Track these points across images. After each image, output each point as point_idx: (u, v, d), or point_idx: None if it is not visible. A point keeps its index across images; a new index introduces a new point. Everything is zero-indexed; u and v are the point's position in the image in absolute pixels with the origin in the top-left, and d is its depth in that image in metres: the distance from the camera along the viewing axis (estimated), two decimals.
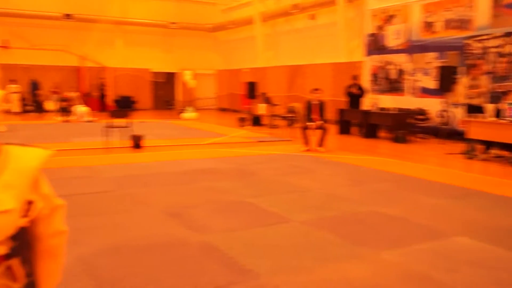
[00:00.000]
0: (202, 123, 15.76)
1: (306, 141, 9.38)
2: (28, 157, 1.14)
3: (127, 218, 4.50)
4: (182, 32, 23.63)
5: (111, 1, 22.14)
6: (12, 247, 1.08)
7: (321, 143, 9.33)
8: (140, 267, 3.30)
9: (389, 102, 13.06)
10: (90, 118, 15.37)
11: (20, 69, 19.21)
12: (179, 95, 24.42)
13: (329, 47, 17.04)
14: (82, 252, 3.54)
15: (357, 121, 12.82)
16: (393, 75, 13.43)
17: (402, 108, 12.22)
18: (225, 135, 12.02)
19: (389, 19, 13.55)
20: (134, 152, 8.87)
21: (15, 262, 1.10)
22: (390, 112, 12.11)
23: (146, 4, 22.82)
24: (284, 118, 13.77)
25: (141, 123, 14.42)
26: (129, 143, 9.23)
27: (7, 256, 1.08)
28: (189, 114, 17.58)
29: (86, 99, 17.17)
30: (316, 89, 9.85)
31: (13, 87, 18.10)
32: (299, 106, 13.89)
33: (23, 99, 18.53)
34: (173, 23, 22.91)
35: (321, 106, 9.60)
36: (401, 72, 13.16)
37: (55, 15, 20.50)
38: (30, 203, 1.13)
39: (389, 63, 13.54)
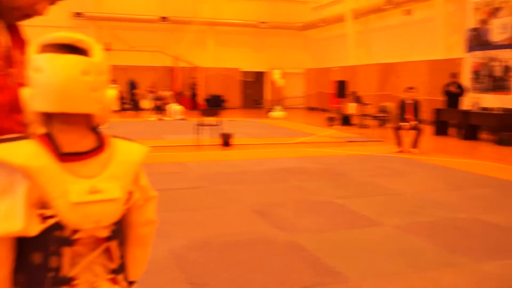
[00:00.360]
0: (290, 122, 15.75)
1: (399, 142, 8.97)
2: (132, 152, 1.22)
3: (216, 214, 4.58)
4: (272, 31, 23.83)
5: (204, 3, 22.94)
6: (112, 231, 1.16)
7: (415, 145, 8.88)
8: (228, 262, 3.33)
9: (493, 101, 12.07)
10: (182, 116, 16.01)
11: (119, 70, 20.55)
12: (267, 94, 24.67)
13: (425, 43, 16.19)
14: (174, 245, 3.65)
15: (456, 121, 12.04)
16: (498, 72, 12.41)
17: (507, 108, 11.25)
18: (313, 135, 11.90)
19: (494, 12, 12.53)
20: (224, 150, 9.06)
21: (113, 245, 1.18)
22: (494, 112, 11.21)
23: (237, 5, 23.33)
24: (375, 117, 13.31)
25: (231, 121, 14.75)
26: (219, 141, 9.45)
27: (107, 239, 1.16)
28: (277, 113, 17.67)
29: (178, 98, 17.92)
30: (411, 88, 9.40)
31: (113, 86, 19.41)
32: (391, 106, 13.36)
33: (121, 98, 19.81)
34: (263, 22, 23.17)
35: (416, 105, 9.14)
36: (507, 69, 12.12)
37: (152, 18, 21.65)
38: (130, 193, 1.20)
39: (493, 59, 12.53)
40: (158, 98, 18.42)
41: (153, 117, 16.48)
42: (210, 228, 4.11)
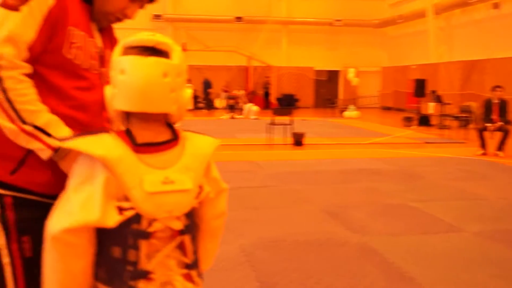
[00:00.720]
0: (364, 122, 15.37)
1: (483, 144, 8.43)
2: (203, 144, 1.26)
3: (287, 213, 4.57)
4: (346, 29, 23.38)
5: (279, 2, 23.01)
6: (185, 225, 1.19)
7: (501, 147, 8.30)
8: (299, 262, 3.30)
9: None
10: (255, 116, 16.16)
11: (194, 70, 21.17)
12: (341, 93, 24.27)
13: None
14: (244, 242, 3.69)
15: None
16: None
17: None
18: (388, 135, 11.52)
19: None
20: (295, 150, 9.03)
21: (187, 239, 1.20)
22: None
23: (312, 3, 23.14)
24: (456, 118, 12.61)
25: (303, 121, 14.67)
26: (291, 140, 9.44)
27: (181, 232, 1.18)
28: (351, 112, 17.31)
29: (251, 97, 18.12)
30: (497, 86, 8.80)
31: (188, 86, 20.02)
32: (475, 106, 12.58)
33: (195, 97, 20.39)
34: (338, 20, 22.79)
35: (503, 105, 8.55)
36: None
37: (227, 18, 22.08)
38: (201, 186, 1.24)
39: None
40: (231, 97, 18.77)
41: (226, 116, 16.80)
42: (281, 227, 4.10)
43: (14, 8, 1.20)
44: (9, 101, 1.18)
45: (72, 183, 1.14)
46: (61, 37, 1.29)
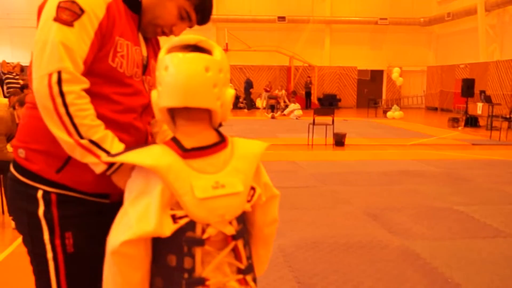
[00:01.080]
0: (408, 122, 15.00)
1: None
2: (252, 146, 1.27)
3: (327, 214, 4.53)
4: (391, 28, 22.90)
5: (322, 1, 22.81)
6: (237, 230, 1.19)
7: None
8: (338, 264, 3.27)
9: None
10: (297, 115, 16.06)
11: (236, 70, 21.32)
12: (384, 93, 23.79)
13: None
14: (284, 243, 3.69)
15: None
16: None
17: None
18: (433, 136, 11.20)
19: None
20: (337, 150, 8.94)
21: (240, 244, 1.21)
22: None
23: (356, 2, 22.81)
24: (506, 119, 12.11)
25: (344, 121, 14.49)
26: (332, 140, 9.34)
27: (233, 237, 1.19)
28: (394, 113, 16.93)
29: (292, 97, 18.05)
30: None
31: (229, 86, 20.18)
32: None
33: (237, 97, 20.52)
34: (383, 19, 22.34)
35: None
36: None
37: (270, 18, 22.10)
38: (252, 189, 1.24)
39: None
40: (272, 97, 18.75)
41: (267, 116, 16.82)
42: (320, 228, 4.08)
43: (69, 23, 1.23)
44: (69, 116, 1.22)
45: (128, 197, 1.17)
46: (108, 46, 1.32)
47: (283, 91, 19.68)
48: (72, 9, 1.25)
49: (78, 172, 1.34)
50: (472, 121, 13.60)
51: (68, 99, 1.21)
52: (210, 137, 1.21)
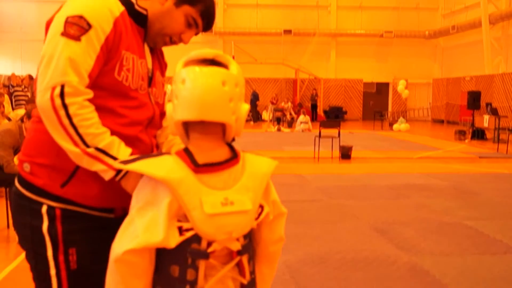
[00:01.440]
0: (414, 135, 14.94)
1: None
2: (262, 164, 1.26)
3: (334, 229, 4.49)
4: (397, 41, 22.97)
5: (328, 14, 22.94)
6: (243, 245, 1.19)
7: None
8: (345, 281, 3.22)
9: None
10: (303, 128, 16.02)
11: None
12: (390, 106, 23.77)
13: None
14: (290, 258, 3.64)
15: None
16: None
17: None
18: (439, 149, 11.13)
19: None
20: (343, 163, 8.90)
21: (244, 259, 1.20)
22: None
23: (361, 15, 22.92)
24: None
25: (351, 133, 14.45)
26: (338, 153, 9.31)
27: (239, 253, 1.18)
28: (400, 125, 16.88)
29: (298, 109, 18.06)
30: None
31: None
32: None
33: None
34: (389, 31, 22.42)
35: None
36: None
37: (276, 32, 22.23)
38: (261, 207, 1.23)
39: None
40: (278, 110, 18.77)
41: (273, 128, 16.81)
42: (327, 244, 4.03)
43: (76, 38, 1.25)
44: (73, 126, 1.23)
45: (135, 206, 1.16)
46: (115, 60, 1.34)
47: (289, 104, 19.70)
48: (80, 24, 1.26)
49: (83, 186, 1.34)
50: (479, 134, 13.52)
51: (71, 110, 1.22)
52: (223, 153, 1.21)
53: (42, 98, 1.23)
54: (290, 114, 18.85)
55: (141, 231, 1.11)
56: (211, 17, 1.50)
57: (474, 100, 13.83)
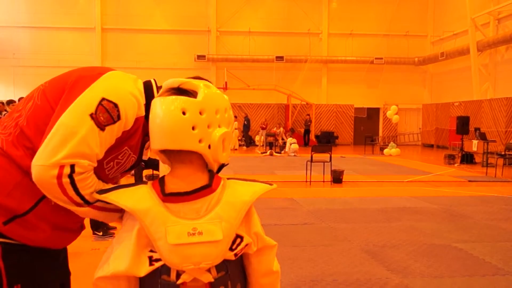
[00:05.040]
0: (405, 159, 15.09)
1: None
2: (244, 192, 1.22)
3: (325, 252, 4.52)
4: (387, 67, 23.39)
5: (319, 41, 23.36)
6: (216, 277, 1.17)
7: None
8: None
9: None
10: (294, 153, 16.15)
11: (235, 108, 21.57)
12: (381, 131, 24.02)
13: None
14: (282, 281, 3.61)
15: None
16: None
17: None
18: (429, 173, 11.25)
19: None
20: (334, 187, 8.96)
21: None
22: None
23: (352, 42, 23.38)
24: (501, 156, 12.22)
25: (342, 158, 14.55)
26: (330, 177, 9.38)
27: (212, 285, 1.17)
28: (391, 150, 17.05)
29: (290, 134, 18.22)
30: None
31: (235, 124, 20.37)
32: None
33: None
34: (379, 58, 22.85)
35: None
36: None
37: (268, 58, 22.56)
38: (239, 237, 1.20)
39: None
40: (270, 134, 18.90)
41: (265, 153, 16.90)
42: (319, 266, 4.06)
43: (102, 127, 1.23)
44: (79, 195, 1.22)
45: (118, 233, 1.20)
46: (114, 152, 1.33)
47: (281, 129, 19.85)
48: (112, 114, 1.25)
49: (30, 230, 1.29)
50: (468, 158, 13.70)
51: (79, 184, 1.20)
52: (198, 181, 1.19)
53: (47, 172, 1.16)
54: (282, 139, 18.97)
55: (112, 258, 1.13)
56: None
57: (463, 125, 14.05)
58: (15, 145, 1.27)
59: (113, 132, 1.27)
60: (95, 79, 1.28)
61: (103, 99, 1.24)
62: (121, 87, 1.29)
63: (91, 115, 1.22)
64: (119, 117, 1.26)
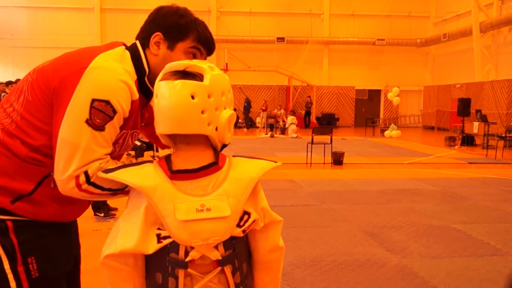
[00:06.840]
0: (406, 141, 15.09)
1: None
2: (250, 169, 1.23)
3: (326, 233, 4.56)
4: (389, 48, 23.22)
5: (321, 22, 23.15)
6: (224, 255, 1.18)
7: None
8: (337, 283, 3.29)
9: None
10: (295, 134, 16.17)
11: (236, 89, 21.50)
12: (382, 112, 23.97)
13: None
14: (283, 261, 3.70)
15: None
16: None
17: None
18: (430, 155, 11.27)
19: None
20: (335, 169, 8.99)
21: (227, 270, 1.18)
22: None
23: (354, 23, 23.17)
24: (502, 138, 12.21)
25: (343, 140, 14.56)
26: (330, 159, 9.40)
27: (219, 263, 1.17)
28: (392, 132, 17.05)
29: (291, 116, 18.22)
30: None
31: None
32: None
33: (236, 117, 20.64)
34: (381, 39, 22.67)
35: None
36: None
37: (269, 39, 22.39)
38: (246, 214, 1.20)
39: None
40: (271, 116, 18.88)
41: (266, 134, 16.91)
42: (319, 247, 4.10)
43: (101, 128, 1.25)
44: (105, 189, 1.28)
45: (124, 212, 1.20)
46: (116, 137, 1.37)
47: (282, 111, 19.82)
48: (106, 112, 1.25)
49: (36, 206, 1.33)
50: (468, 140, 13.70)
51: (99, 182, 1.26)
52: (204, 160, 1.19)
53: (66, 186, 1.24)
54: (283, 121, 18.97)
55: (119, 236, 1.14)
56: (209, 42, 1.45)
57: (464, 107, 14.01)
58: (11, 137, 1.30)
59: (114, 125, 1.29)
60: (79, 77, 1.25)
61: (93, 100, 1.23)
62: (108, 80, 1.26)
63: (86, 121, 1.23)
64: (114, 112, 1.26)
